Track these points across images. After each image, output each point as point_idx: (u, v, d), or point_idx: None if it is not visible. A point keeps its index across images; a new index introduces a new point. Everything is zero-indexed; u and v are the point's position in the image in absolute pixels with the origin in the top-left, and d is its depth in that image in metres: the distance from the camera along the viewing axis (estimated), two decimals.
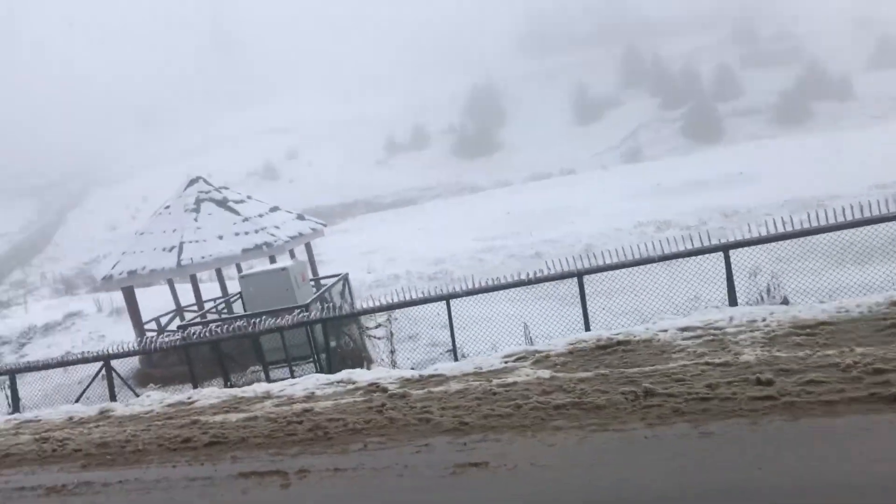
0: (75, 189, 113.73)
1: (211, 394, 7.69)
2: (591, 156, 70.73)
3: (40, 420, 7.96)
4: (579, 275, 10.84)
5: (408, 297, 11.66)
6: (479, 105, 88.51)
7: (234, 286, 22.19)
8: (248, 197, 22.05)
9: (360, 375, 7.42)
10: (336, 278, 16.94)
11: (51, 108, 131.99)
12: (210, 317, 16.46)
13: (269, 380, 12.72)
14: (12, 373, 13.21)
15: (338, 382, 7.34)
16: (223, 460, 5.63)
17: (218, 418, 6.71)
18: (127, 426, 7.03)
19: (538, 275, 11.17)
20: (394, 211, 59.59)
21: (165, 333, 18.99)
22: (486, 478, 4.56)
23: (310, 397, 7.02)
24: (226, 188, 22.25)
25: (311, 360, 13.29)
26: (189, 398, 7.68)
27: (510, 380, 6.22)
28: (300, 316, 12.45)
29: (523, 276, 11.21)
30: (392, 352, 12.86)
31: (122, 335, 22.93)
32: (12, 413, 11.84)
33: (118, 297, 28.31)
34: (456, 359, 11.12)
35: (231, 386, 11.15)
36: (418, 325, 14.46)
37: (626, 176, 46.56)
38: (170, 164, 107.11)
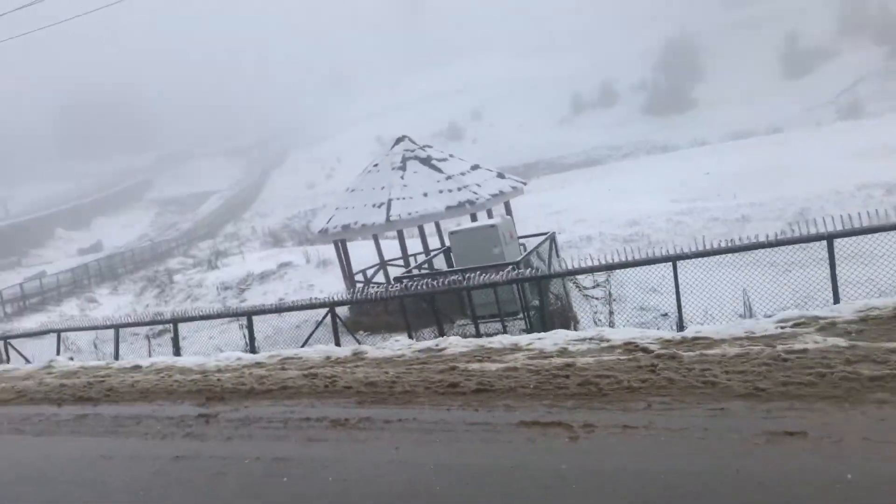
0: (276, 150, 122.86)
1: (458, 342, 7.83)
2: (801, 112, 64.61)
3: (301, 357, 8.52)
4: (829, 238, 9.83)
5: (629, 258, 11.22)
6: (673, 59, 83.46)
7: (433, 242, 22.80)
8: (451, 155, 22.38)
9: (612, 334, 7.19)
10: (543, 237, 16.75)
11: (253, 75, 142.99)
12: (414, 272, 16.97)
13: (478, 334, 12.92)
14: (250, 314, 14.34)
15: (589, 339, 7.17)
16: (496, 408, 5.64)
17: (475, 366, 6.78)
18: (385, 368, 7.31)
19: (779, 237, 10.30)
20: (579, 171, 58.32)
21: (372, 284, 19.96)
22: (808, 449, 4.15)
23: (563, 352, 6.90)
24: (429, 146, 22.74)
25: (521, 317, 13.29)
26: (437, 345, 7.87)
27: (798, 346, 5.70)
28: (513, 273, 12.44)
29: (762, 239, 10.35)
30: (611, 313, 12.51)
31: (328, 285, 24.46)
32: (248, 351, 12.95)
33: (323, 250, 30.29)
34: (681, 324, 10.60)
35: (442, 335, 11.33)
36: (624, 287, 14.00)
37: (844, 134, 42.09)
38: (359, 126, 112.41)
